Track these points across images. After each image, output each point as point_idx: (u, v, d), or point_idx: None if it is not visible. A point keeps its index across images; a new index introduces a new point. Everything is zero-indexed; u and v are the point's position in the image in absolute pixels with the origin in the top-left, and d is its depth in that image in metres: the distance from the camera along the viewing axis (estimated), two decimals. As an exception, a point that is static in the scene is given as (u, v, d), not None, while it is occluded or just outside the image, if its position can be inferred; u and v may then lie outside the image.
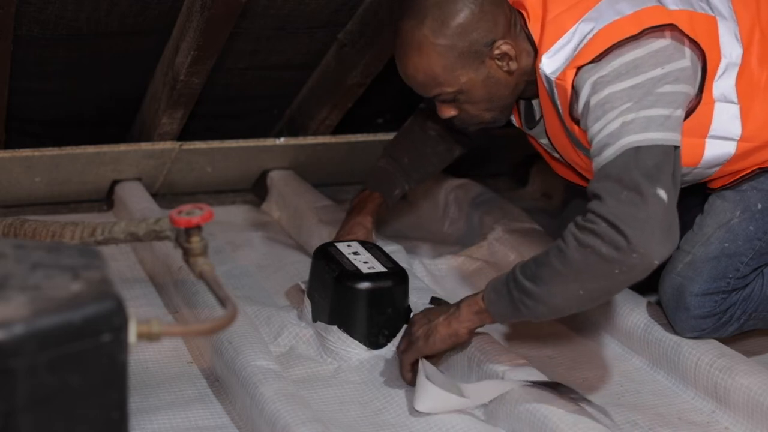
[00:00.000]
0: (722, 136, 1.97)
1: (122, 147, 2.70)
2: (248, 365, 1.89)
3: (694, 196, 2.15)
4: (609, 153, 1.78)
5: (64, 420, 1.25)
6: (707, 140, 1.97)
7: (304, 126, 2.88)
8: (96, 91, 2.64)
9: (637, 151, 1.76)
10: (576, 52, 1.86)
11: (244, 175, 2.93)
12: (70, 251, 1.37)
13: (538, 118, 2.07)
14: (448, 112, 2.01)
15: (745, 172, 2.04)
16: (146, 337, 1.33)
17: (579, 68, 1.84)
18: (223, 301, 1.53)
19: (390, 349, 2.09)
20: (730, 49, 1.95)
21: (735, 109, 1.96)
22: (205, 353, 2.06)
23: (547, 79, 1.90)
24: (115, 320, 1.25)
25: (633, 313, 2.18)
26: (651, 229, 1.72)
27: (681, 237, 2.03)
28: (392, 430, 1.87)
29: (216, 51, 2.42)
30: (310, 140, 2.88)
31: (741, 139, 1.97)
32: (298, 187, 2.80)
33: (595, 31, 1.85)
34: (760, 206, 2.04)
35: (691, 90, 1.87)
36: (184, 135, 2.74)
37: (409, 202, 2.97)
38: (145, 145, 2.71)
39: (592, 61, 1.83)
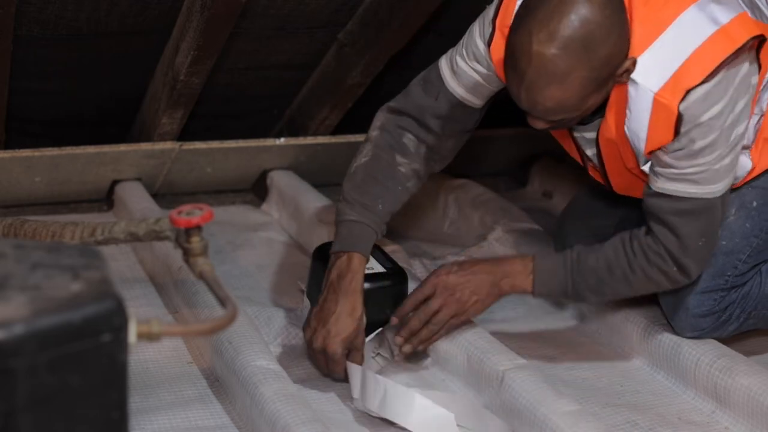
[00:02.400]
0: (744, 146, 1.97)
1: (122, 147, 2.70)
2: (248, 365, 1.89)
3: None
4: (694, 191, 1.88)
5: (64, 420, 1.25)
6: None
7: (304, 126, 2.88)
8: (96, 91, 2.64)
9: (722, 200, 1.92)
10: (678, 67, 1.78)
11: (244, 175, 2.93)
12: (70, 251, 1.37)
13: (595, 118, 1.95)
14: (542, 125, 1.86)
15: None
16: (146, 337, 1.33)
17: (688, 91, 1.77)
18: (223, 301, 1.53)
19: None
20: None
21: (757, 120, 1.97)
22: (205, 353, 2.06)
23: (638, 88, 1.81)
24: (115, 320, 1.25)
25: (633, 313, 2.18)
26: (704, 264, 1.98)
27: None
28: (392, 430, 1.87)
29: (216, 51, 2.42)
30: (310, 140, 2.88)
31: (752, 149, 1.98)
32: (298, 187, 2.80)
33: (698, 43, 1.78)
34: (755, 203, 2.04)
35: None
36: (184, 135, 2.74)
37: (410, 202, 2.97)
38: (145, 145, 2.71)
39: (702, 82, 1.77)
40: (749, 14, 1.85)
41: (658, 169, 1.89)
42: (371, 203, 2.07)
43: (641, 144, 1.86)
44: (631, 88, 1.82)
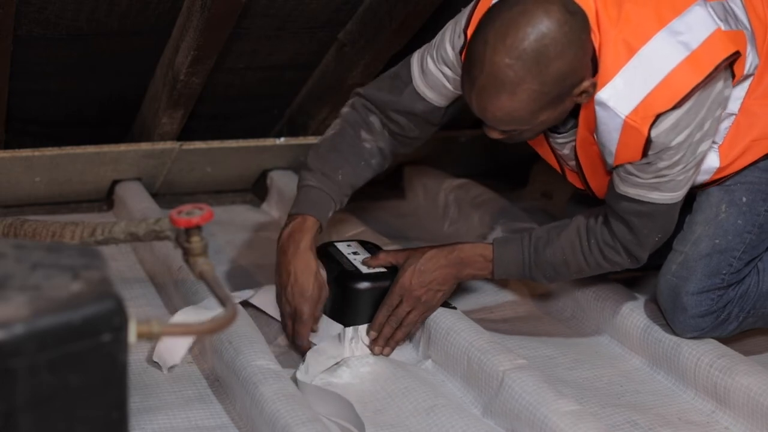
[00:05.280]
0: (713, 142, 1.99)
1: (122, 147, 2.70)
2: (248, 365, 1.89)
3: None
4: (657, 197, 1.94)
5: (64, 420, 1.25)
6: None
7: (304, 126, 2.88)
8: (96, 91, 2.63)
9: (680, 201, 1.97)
10: (648, 92, 1.79)
11: (244, 175, 2.93)
12: (70, 251, 1.37)
13: (569, 127, 1.99)
14: (497, 136, 1.90)
15: (732, 172, 2.04)
16: (146, 337, 1.33)
17: (658, 116, 1.79)
18: (223, 301, 1.53)
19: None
20: (751, 59, 1.95)
21: (731, 119, 1.98)
22: (205, 353, 2.06)
23: (608, 110, 1.82)
24: (115, 320, 1.25)
25: (633, 314, 2.18)
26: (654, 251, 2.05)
27: (673, 238, 2.07)
28: (392, 430, 1.87)
29: (216, 51, 2.42)
30: (310, 140, 2.87)
31: (721, 146, 2.00)
32: (298, 187, 2.80)
33: (668, 70, 1.79)
34: (745, 199, 2.04)
35: None
36: (184, 135, 2.74)
37: (409, 201, 2.97)
38: (145, 145, 2.71)
39: (672, 108, 1.79)
40: (723, 28, 1.85)
41: (623, 174, 1.93)
42: (331, 172, 2.12)
43: (610, 158, 1.91)
44: (599, 109, 1.83)
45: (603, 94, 1.82)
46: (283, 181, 2.84)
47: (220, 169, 2.85)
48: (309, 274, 2.02)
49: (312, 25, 2.53)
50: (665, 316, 2.10)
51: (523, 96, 1.77)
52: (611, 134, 1.85)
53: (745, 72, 1.94)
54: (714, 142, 1.99)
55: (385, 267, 2.13)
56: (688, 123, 1.83)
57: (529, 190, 3.09)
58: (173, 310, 2.25)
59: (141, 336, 1.32)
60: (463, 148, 3.07)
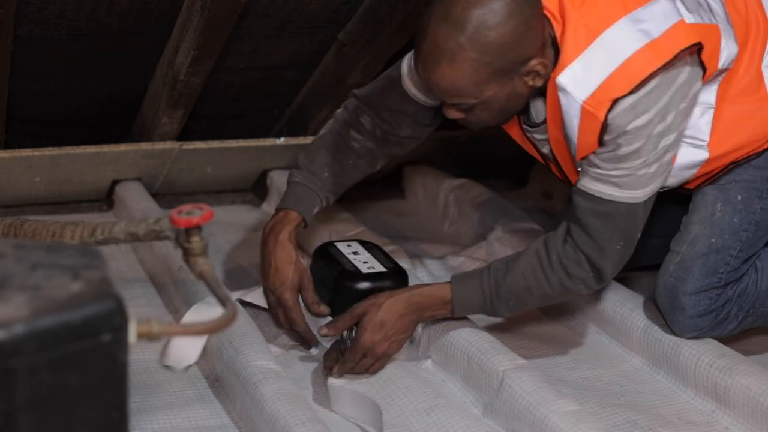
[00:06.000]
0: (693, 137, 1.98)
1: (122, 147, 2.70)
2: (248, 365, 1.89)
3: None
4: (616, 194, 1.90)
5: (64, 420, 1.25)
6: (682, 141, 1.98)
7: (304, 126, 2.88)
8: (96, 91, 2.63)
9: (644, 205, 1.92)
10: (605, 77, 1.80)
11: (244, 175, 2.93)
12: (70, 251, 1.37)
13: (542, 119, 2.00)
14: (455, 114, 1.92)
15: (719, 168, 2.04)
16: (146, 337, 1.33)
17: (615, 101, 1.80)
18: (223, 301, 1.53)
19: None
20: (726, 54, 1.94)
21: (709, 113, 1.97)
22: (205, 353, 2.06)
23: (568, 96, 1.84)
24: (115, 320, 1.25)
25: (633, 314, 2.18)
26: (619, 268, 1.98)
27: (670, 239, 2.07)
28: (392, 430, 1.87)
29: (216, 51, 2.42)
30: (310, 140, 2.86)
31: (710, 143, 1.99)
32: (298, 187, 2.80)
33: (626, 56, 1.80)
34: (740, 197, 2.04)
35: None
36: (184, 135, 2.74)
37: (409, 201, 2.97)
38: (145, 145, 2.71)
39: (629, 93, 1.79)
40: (688, 20, 1.86)
41: (585, 167, 1.92)
42: (318, 170, 2.18)
43: (575, 150, 1.90)
44: (561, 96, 1.85)
45: (563, 79, 1.83)
46: (283, 181, 2.83)
47: (220, 169, 2.85)
48: (289, 263, 2.08)
49: (312, 25, 2.53)
50: (664, 316, 2.10)
51: (463, 65, 1.79)
52: (572, 122, 1.86)
53: (720, 66, 1.94)
54: (700, 142, 1.98)
55: (385, 268, 2.13)
56: (647, 108, 1.81)
57: (529, 190, 3.09)
58: (173, 310, 2.25)
59: (141, 336, 1.32)
60: (463, 148, 3.07)
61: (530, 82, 1.86)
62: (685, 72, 1.85)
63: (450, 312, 2.02)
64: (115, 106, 2.72)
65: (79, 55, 2.47)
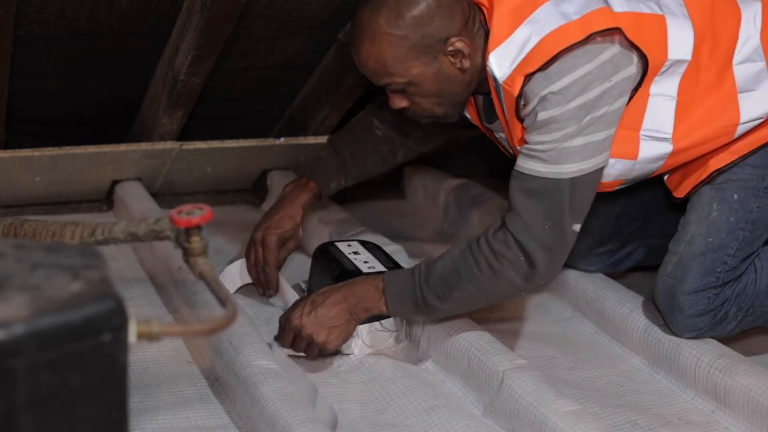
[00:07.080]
0: (656, 129, 1.97)
1: (122, 147, 2.70)
2: (248, 365, 1.89)
3: (653, 191, 2.21)
4: (542, 170, 1.87)
5: (64, 420, 1.25)
6: (641, 134, 1.97)
7: (304, 126, 2.88)
8: (96, 91, 2.64)
9: (571, 183, 1.87)
10: (522, 57, 1.84)
11: (244, 175, 2.93)
12: (70, 251, 1.37)
13: (496, 118, 2.03)
14: (400, 102, 1.99)
15: (717, 167, 2.04)
16: (146, 337, 1.33)
17: (527, 76, 1.84)
18: (223, 301, 1.53)
19: (392, 348, 2.09)
20: (678, 47, 1.93)
21: (671, 105, 1.96)
22: (205, 353, 2.06)
23: (495, 79, 1.89)
24: (115, 320, 1.25)
25: (633, 314, 2.18)
26: (560, 261, 1.92)
27: (669, 239, 2.07)
28: (392, 430, 1.87)
29: (216, 51, 2.42)
30: (310, 140, 2.88)
31: (674, 135, 1.98)
32: (298, 187, 2.80)
33: (542, 36, 1.83)
34: (736, 197, 2.04)
35: (627, 98, 1.91)
36: (184, 135, 2.74)
37: (409, 201, 2.97)
38: (145, 145, 2.71)
39: (540, 69, 1.82)
40: (616, 8, 1.87)
41: (519, 149, 1.94)
42: (340, 149, 2.36)
43: (512, 126, 1.94)
44: (492, 81, 1.91)
45: (490, 61, 1.88)
46: (283, 181, 2.83)
47: (220, 169, 2.85)
48: (293, 222, 2.26)
49: (312, 25, 2.53)
50: (663, 316, 2.10)
51: (383, 41, 1.90)
52: (502, 102, 1.91)
53: (673, 57, 1.92)
54: (663, 133, 1.97)
55: (386, 268, 2.13)
56: (561, 75, 1.82)
57: (529, 190, 3.08)
58: (173, 310, 2.25)
59: (141, 336, 1.32)
60: (463, 148, 3.07)
61: (457, 64, 1.93)
62: (609, 52, 1.84)
63: (384, 305, 1.98)
64: (115, 106, 2.72)
65: (79, 55, 2.47)
